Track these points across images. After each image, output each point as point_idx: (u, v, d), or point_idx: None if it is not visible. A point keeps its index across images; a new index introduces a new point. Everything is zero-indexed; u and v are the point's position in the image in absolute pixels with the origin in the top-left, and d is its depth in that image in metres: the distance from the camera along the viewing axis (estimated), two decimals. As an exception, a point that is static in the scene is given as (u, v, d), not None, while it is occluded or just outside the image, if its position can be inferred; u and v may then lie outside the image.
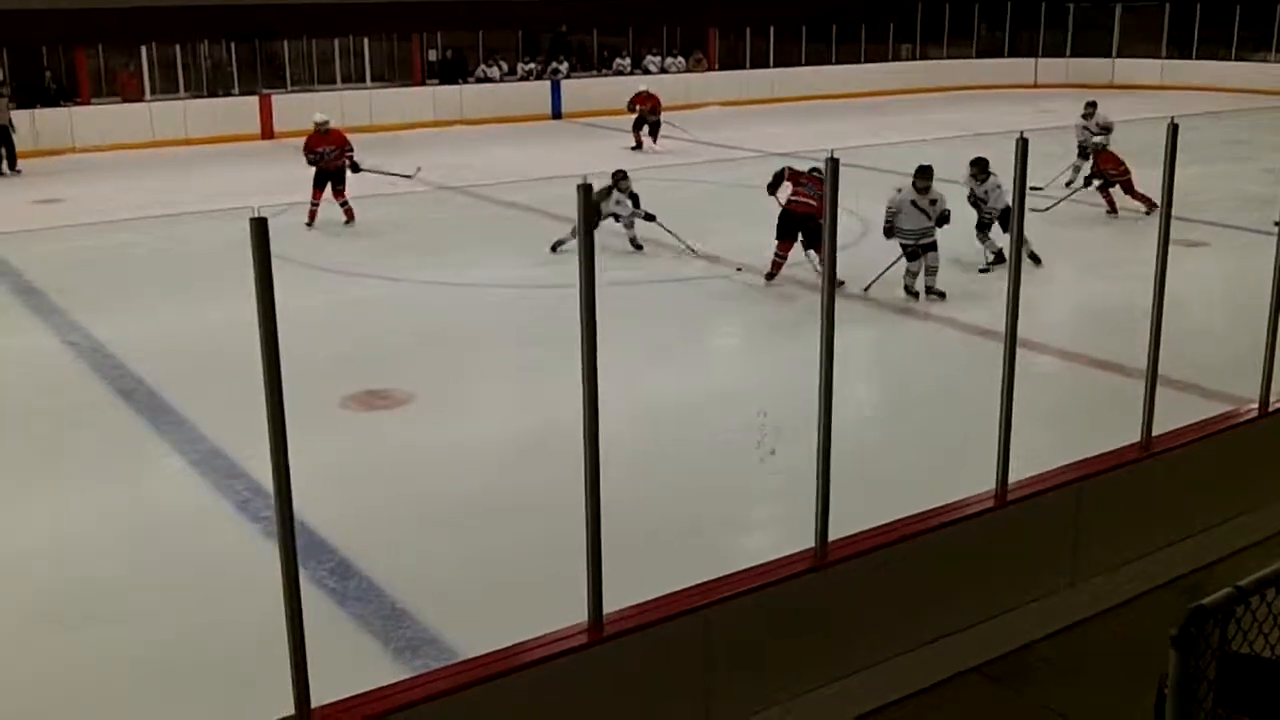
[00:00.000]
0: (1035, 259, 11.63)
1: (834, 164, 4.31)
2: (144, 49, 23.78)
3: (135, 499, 7.15)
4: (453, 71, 26.98)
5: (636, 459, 7.05)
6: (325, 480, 6.66)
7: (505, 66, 28.04)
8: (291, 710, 3.42)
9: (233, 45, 24.73)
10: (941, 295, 11.03)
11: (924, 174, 10.86)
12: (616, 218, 12.67)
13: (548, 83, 27.52)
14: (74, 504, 6.97)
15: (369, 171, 14.78)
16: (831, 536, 4.53)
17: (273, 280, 3.27)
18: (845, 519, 4.61)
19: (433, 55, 27.39)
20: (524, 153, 21.21)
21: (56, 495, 7.11)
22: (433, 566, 6.15)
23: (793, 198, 11.43)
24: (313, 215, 14.24)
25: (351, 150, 14.64)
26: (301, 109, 23.23)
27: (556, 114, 26.79)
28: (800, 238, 11.40)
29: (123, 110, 22.80)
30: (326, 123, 14.71)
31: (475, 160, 20.10)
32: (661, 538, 6.25)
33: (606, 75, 29.12)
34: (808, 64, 31.09)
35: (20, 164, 19.23)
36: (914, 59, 33.45)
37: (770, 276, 11.55)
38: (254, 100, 23.66)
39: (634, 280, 11.62)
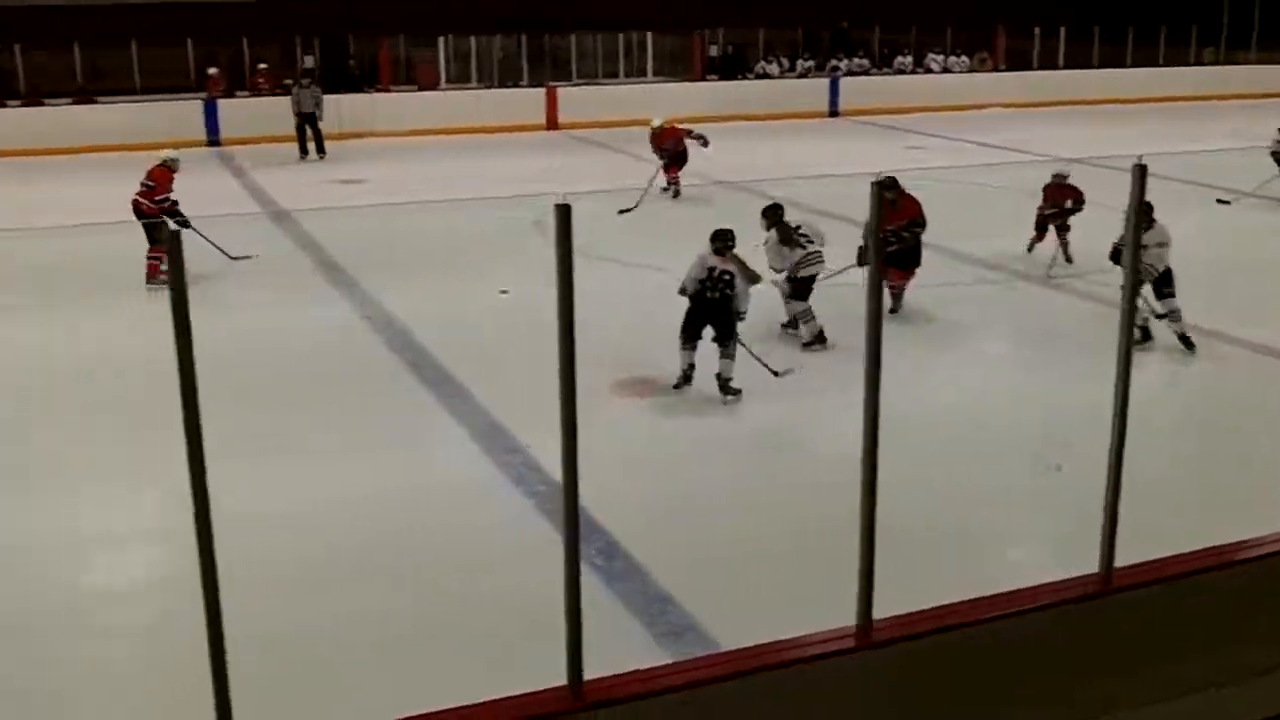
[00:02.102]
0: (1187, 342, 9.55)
1: (1141, 170, 4.13)
2: (441, 40, 24.98)
3: (419, 465, 7.57)
4: (732, 67, 27.19)
5: (911, 462, 6.95)
6: (593, 461, 6.85)
7: (785, 63, 28.06)
8: (562, 680, 3.54)
9: (523, 38, 25.69)
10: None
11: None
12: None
13: (826, 80, 27.36)
14: (363, 464, 7.44)
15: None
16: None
17: (572, 264, 3.39)
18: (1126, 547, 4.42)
19: (713, 51, 27.66)
20: (801, 148, 21.13)
21: (349, 455, 7.60)
22: (696, 553, 6.25)
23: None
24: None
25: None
26: (585, 101, 24.06)
27: (834, 111, 26.60)
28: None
29: (419, 98, 24.06)
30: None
31: (753, 157, 20.18)
32: (932, 546, 6.15)
33: (887, 73, 28.71)
34: (1101, 66, 29.74)
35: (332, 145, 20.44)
36: (1217, 63, 31.47)
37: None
38: (540, 92, 24.51)
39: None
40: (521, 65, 25.89)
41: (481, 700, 3.32)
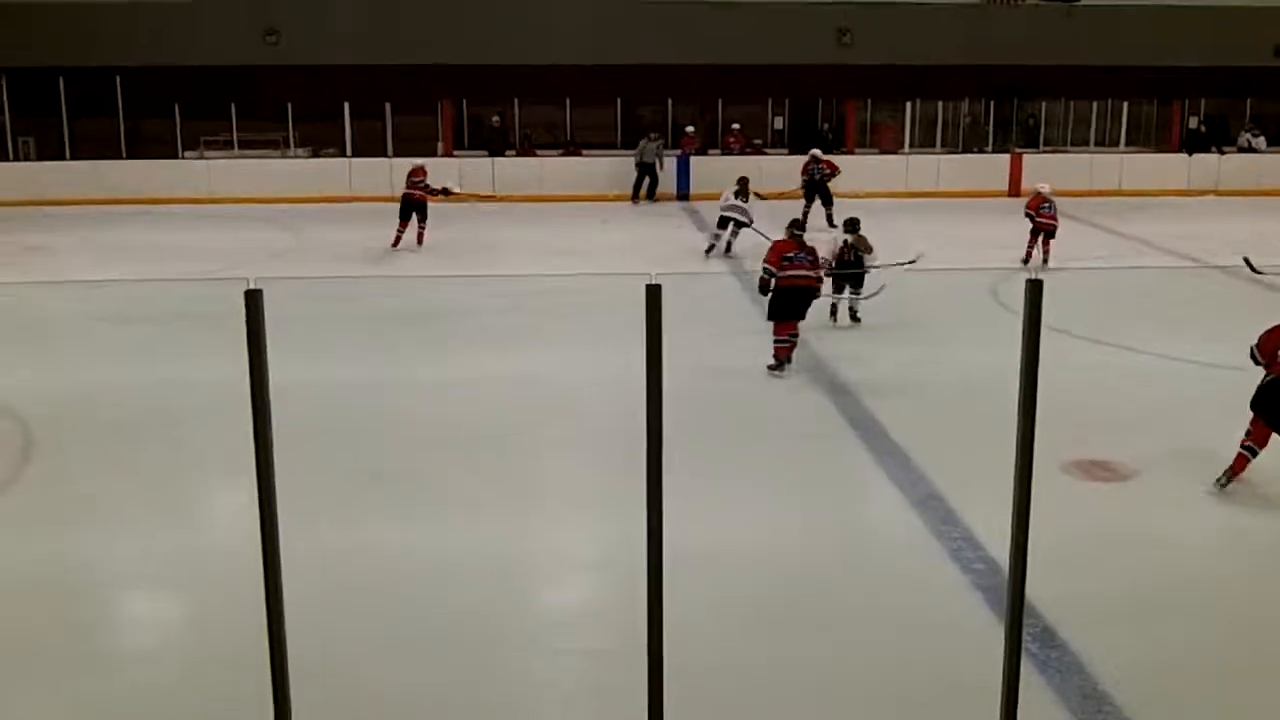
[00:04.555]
0: None
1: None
2: (907, 105, 25.12)
3: (853, 521, 7.70)
4: (1211, 140, 25.39)
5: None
6: (1036, 542, 6.67)
7: (1269, 136, 25.92)
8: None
9: (990, 104, 25.35)
10: None
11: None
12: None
13: (1322, 156, 24.99)
14: (797, 513, 7.69)
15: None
16: None
17: (1039, 340, 3.39)
18: None
19: (1193, 122, 26.00)
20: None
21: (781, 502, 7.87)
22: (1141, 651, 5.93)
23: None
24: None
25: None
26: (1050, 169, 23.36)
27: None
28: None
29: (881, 161, 24.30)
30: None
31: (1216, 232, 18.76)
32: None
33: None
34: None
35: (769, 204, 20.70)
36: None
37: None
38: (1005, 159, 24.04)
39: None
40: (988, 130, 25.53)
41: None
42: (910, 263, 12.87)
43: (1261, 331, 8.12)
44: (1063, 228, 16.00)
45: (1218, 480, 7.94)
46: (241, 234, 18.61)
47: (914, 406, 9.84)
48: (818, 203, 19.81)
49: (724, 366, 11.00)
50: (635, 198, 22.60)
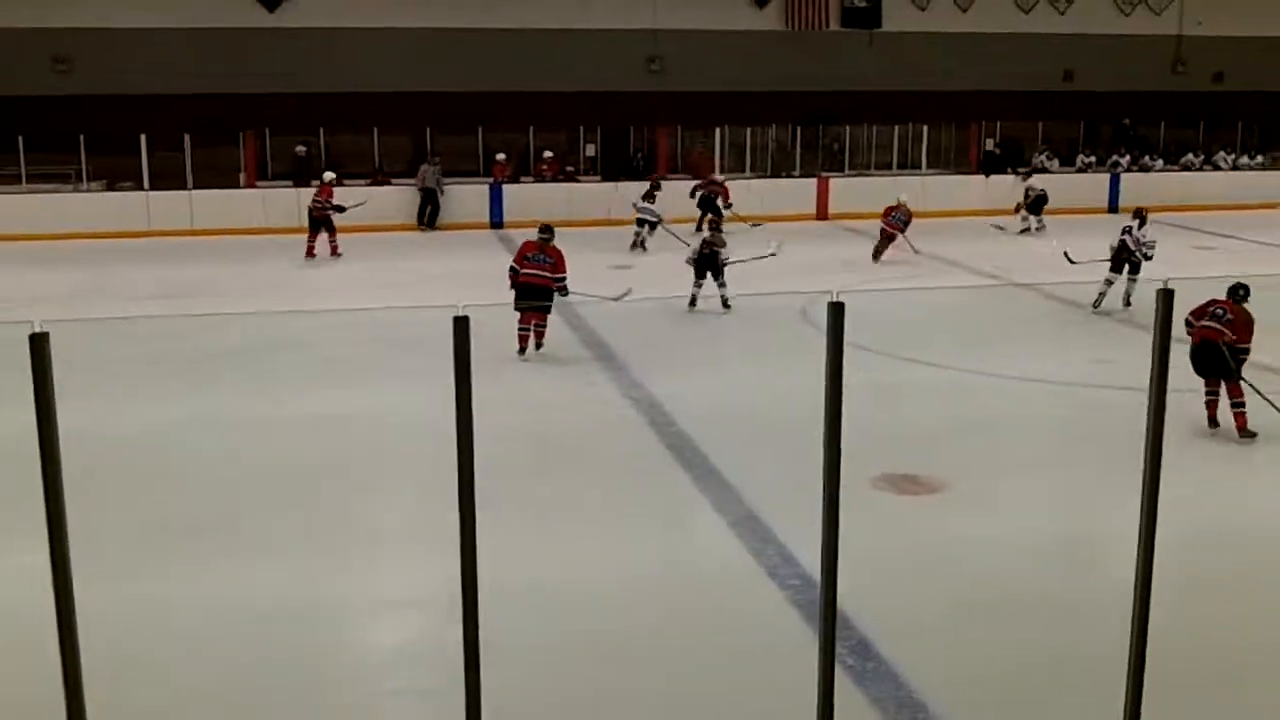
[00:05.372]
0: None
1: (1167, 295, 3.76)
2: (717, 131, 25.61)
3: (672, 549, 7.70)
4: (1007, 161, 26.65)
5: (1187, 578, 6.59)
6: (850, 557, 6.80)
7: (1060, 157, 27.42)
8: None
9: (797, 129, 26.04)
10: None
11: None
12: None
13: (1106, 175, 26.50)
14: (616, 544, 7.63)
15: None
16: None
17: (842, 362, 3.44)
18: None
19: (989, 145, 27.26)
20: (1077, 247, 20.39)
21: (601, 534, 7.81)
22: (955, 658, 6.10)
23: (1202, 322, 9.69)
24: None
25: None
26: (856, 192, 24.19)
27: (1113, 208, 25.68)
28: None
29: (691, 185, 24.68)
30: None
31: (1026, 251, 19.75)
32: (1205, 670, 5.81)
33: (1170, 170, 27.53)
34: None
35: (592, 230, 21.06)
36: None
37: (1211, 422, 9.79)
38: (812, 182, 24.72)
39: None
40: (794, 155, 26.22)
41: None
42: (771, 255, 15.37)
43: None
44: (868, 250, 16.56)
45: (1210, 425, 9.63)
46: (31, 275, 17.64)
47: (730, 428, 9.95)
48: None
49: (544, 398, 10.97)
50: (421, 223, 22.51)
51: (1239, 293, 9.85)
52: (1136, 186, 25.65)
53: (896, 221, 18.91)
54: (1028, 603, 6.75)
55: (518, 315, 12.26)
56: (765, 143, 26.42)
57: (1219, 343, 9.40)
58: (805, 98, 24.78)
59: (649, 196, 20.53)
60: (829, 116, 25.74)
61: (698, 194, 22.10)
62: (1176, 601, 5.79)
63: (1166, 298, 3.57)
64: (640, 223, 20.19)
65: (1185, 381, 10.55)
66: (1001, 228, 21.54)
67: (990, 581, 7.05)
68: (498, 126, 24.69)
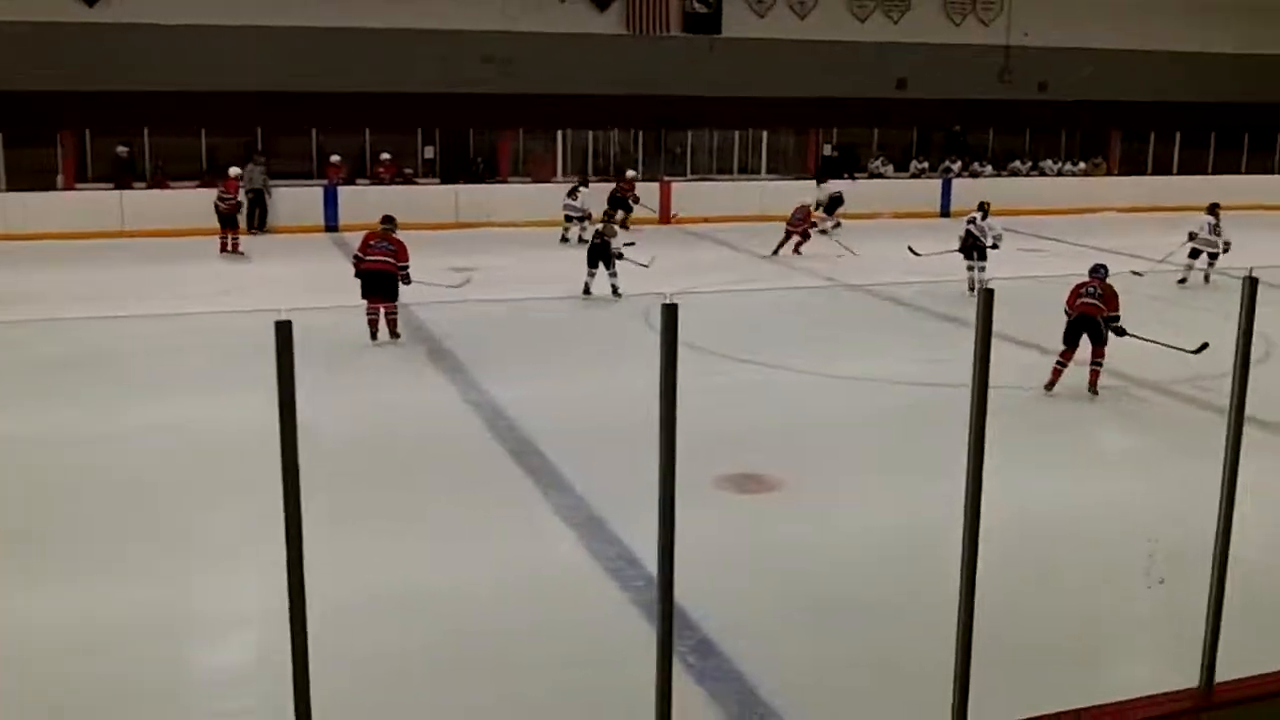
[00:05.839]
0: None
1: (1253, 283, 4.08)
2: (560, 135, 25.57)
3: (514, 555, 7.56)
4: (844, 166, 27.28)
5: (1007, 568, 6.78)
6: (692, 557, 6.82)
7: (895, 163, 28.21)
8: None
9: (639, 134, 26.17)
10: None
11: None
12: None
13: (939, 180, 27.36)
14: (457, 551, 7.48)
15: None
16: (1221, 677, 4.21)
17: (677, 362, 3.42)
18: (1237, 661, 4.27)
19: (827, 150, 27.85)
20: (897, 247, 20.96)
21: (442, 542, 7.66)
22: (791, 656, 6.15)
23: (1080, 300, 11.29)
24: None
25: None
26: (698, 196, 24.46)
27: (945, 212, 26.49)
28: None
29: (537, 189, 24.60)
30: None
31: (858, 253, 20.21)
32: (1028, 654, 5.98)
33: (1000, 176, 28.55)
34: (1215, 173, 29.24)
35: (440, 234, 20.96)
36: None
37: (1049, 385, 11.31)
38: (655, 186, 24.91)
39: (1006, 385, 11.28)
40: (637, 159, 26.33)
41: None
42: (644, 265, 15.68)
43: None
44: (712, 254, 16.78)
45: (1046, 385, 11.23)
46: None
47: (572, 432, 9.87)
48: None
49: (385, 404, 10.75)
50: (251, 227, 21.67)
51: (1100, 271, 11.52)
52: (967, 191, 26.46)
53: (795, 219, 20.37)
54: (865, 600, 6.85)
55: (365, 303, 12.71)
56: (608, 147, 26.48)
57: (1098, 317, 11.13)
58: (648, 102, 24.89)
59: (573, 194, 21.45)
60: (671, 121, 25.93)
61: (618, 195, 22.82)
62: (1007, 593, 5.97)
63: (988, 297, 3.66)
64: (569, 219, 21.24)
65: (1011, 378, 10.96)
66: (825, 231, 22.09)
67: (829, 578, 7.14)
68: (331, 128, 24.15)
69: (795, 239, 20.36)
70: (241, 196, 20.21)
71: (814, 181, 25.12)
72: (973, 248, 16.32)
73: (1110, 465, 9.97)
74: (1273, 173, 29.42)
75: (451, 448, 9.65)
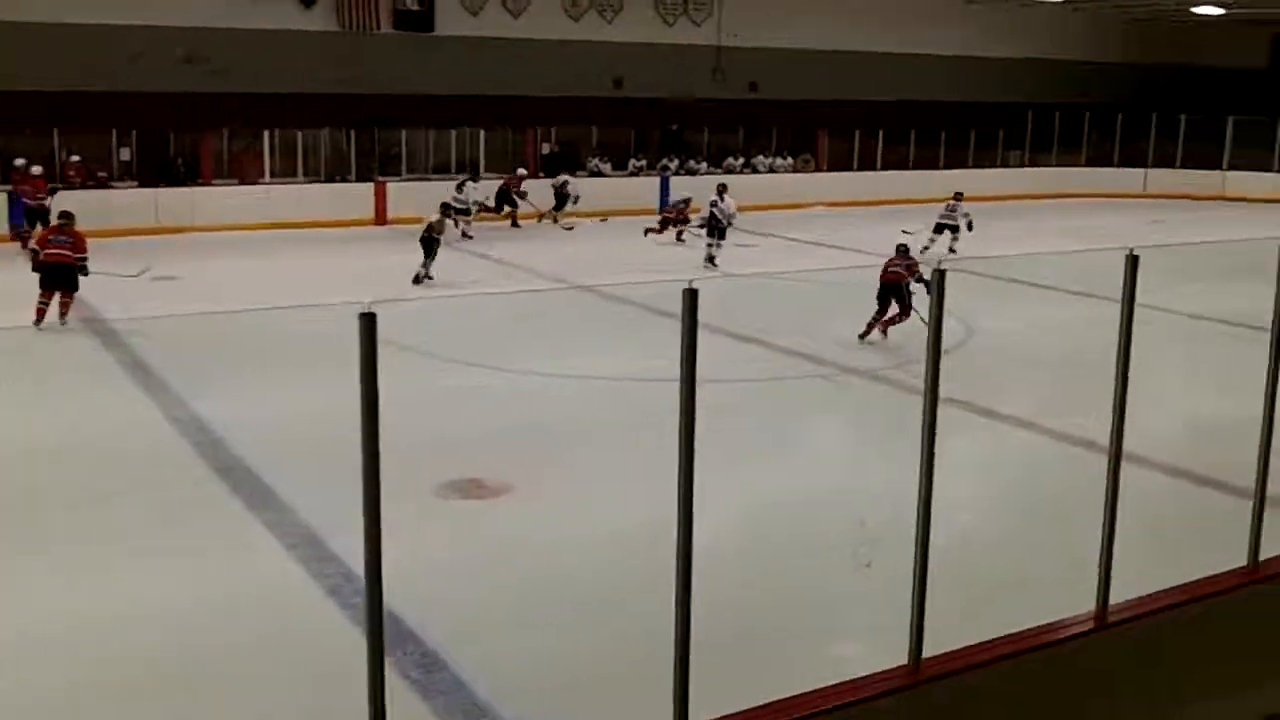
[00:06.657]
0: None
1: (940, 275, 4.30)
2: (266, 134, 24.59)
3: (226, 578, 7.17)
4: (563, 164, 27.40)
5: (732, 560, 6.92)
6: (415, 568, 6.64)
7: (614, 161, 28.59)
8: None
9: (352, 133, 25.48)
10: None
11: None
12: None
13: (657, 178, 27.88)
14: (164, 577, 7.06)
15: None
16: (927, 652, 4.39)
17: (377, 374, 3.29)
18: (943, 634, 4.46)
19: (545, 148, 27.92)
20: (632, 246, 21.31)
21: (149, 567, 7.21)
22: (520, 662, 6.07)
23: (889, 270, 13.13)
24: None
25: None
26: (413, 196, 24.04)
27: (664, 209, 27.01)
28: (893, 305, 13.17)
29: (241, 191, 23.60)
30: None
31: (578, 253, 20.38)
32: (751, 644, 6.11)
33: (715, 173, 29.35)
34: (915, 168, 31.07)
35: (139, 240, 19.79)
36: (1023, 165, 33.21)
37: (863, 336, 13.23)
38: (369, 186, 24.32)
39: (736, 379, 11.57)
40: (350, 159, 25.63)
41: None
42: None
43: None
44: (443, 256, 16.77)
45: (860, 335, 13.09)
46: None
47: (283, 447, 9.35)
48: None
49: (86, 424, 10.03)
50: None
51: (901, 248, 13.41)
52: (684, 188, 27.10)
53: (676, 207, 22.44)
54: (598, 597, 6.86)
55: (39, 293, 13.15)
56: (319, 146, 25.66)
57: (901, 283, 12.96)
58: (360, 101, 24.28)
59: (460, 188, 22.16)
60: (384, 120, 25.37)
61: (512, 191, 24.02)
62: (734, 583, 6.09)
63: (691, 297, 3.69)
64: (454, 212, 21.18)
65: (726, 372, 11.25)
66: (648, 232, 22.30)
67: (555, 580, 7.11)
68: (11, 128, 22.30)
69: (676, 228, 21.79)
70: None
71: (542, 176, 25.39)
72: (715, 228, 18.94)
73: (827, 452, 10.35)
74: (967, 166, 31.38)
75: (154, 468, 9.05)
